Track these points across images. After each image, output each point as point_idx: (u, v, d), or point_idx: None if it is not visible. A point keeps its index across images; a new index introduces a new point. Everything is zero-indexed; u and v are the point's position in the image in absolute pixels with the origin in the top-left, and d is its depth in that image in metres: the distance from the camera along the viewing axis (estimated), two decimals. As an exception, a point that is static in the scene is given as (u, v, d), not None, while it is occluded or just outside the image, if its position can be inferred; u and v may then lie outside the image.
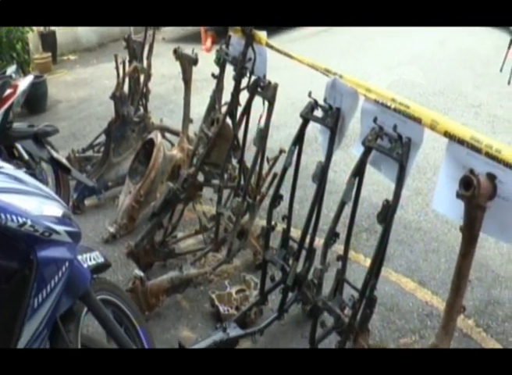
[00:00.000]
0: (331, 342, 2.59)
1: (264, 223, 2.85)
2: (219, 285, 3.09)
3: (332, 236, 2.47)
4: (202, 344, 2.56)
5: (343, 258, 2.57)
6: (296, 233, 2.92)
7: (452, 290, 2.15)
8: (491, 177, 1.91)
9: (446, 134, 2.04)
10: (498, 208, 1.94)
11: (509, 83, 6.25)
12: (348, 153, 3.83)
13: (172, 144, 4.32)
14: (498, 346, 2.76)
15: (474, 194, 1.86)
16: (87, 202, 4.09)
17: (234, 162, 3.41)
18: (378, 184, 3.79)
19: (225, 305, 2.92)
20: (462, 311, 2.22)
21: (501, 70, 6.49)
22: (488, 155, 1.91)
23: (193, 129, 3.94)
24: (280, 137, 4.72)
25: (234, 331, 2.63)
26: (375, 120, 2.27)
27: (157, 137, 3.89)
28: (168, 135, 4.49)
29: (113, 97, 4.30)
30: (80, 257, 1.99)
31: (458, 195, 1.90)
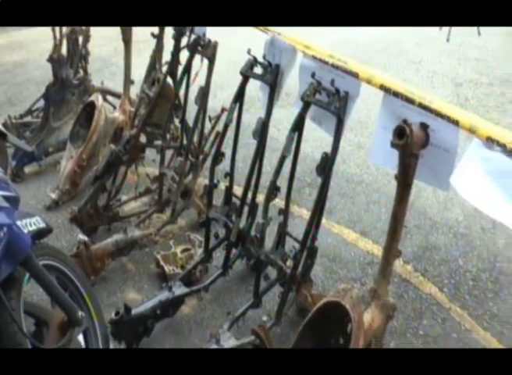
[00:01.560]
0: (275, 295, 2.60)
1: (207, 181, 2.81)
2: (164, 246, 3.05)
3: (273, 190, 2.48)
4: (148, 304, 2.53)
5: (285, 212, 2.58)
6: (239, 191, 2.90)
7: (388, 235, 2.19)
8: (424, 126, 1.97)
9: (382, 87, 2.07)
10: (431, 156, 2.00)
11: (448, 40, 6.31)
12: (291, 111, 3.80)
13: (114, 107, 4.18)
14: (434, 288, 2.85)
15: (408, 143, 1.90)
16: (27, 170, 3.93)
17: (176, 121, 3.34)
18: (320, 140, 3.78)
19: (170, 264, 2.89)
20: (398, 255, 2.27)
21: (448, 40, 6.54)
22: (422, 106, 1.95)
23: (135, 91, 3.81)
24: (223, 97, 4.63)
25: (179, 290, 2.61)
26: (313, 76, 2.28)
27: (98, 99, 3.75)
28: (109, 98, 4.34)
29: (50, 60, 4.09)
30: (19, 222, 1.90)
31: (392, 145, 1.92)
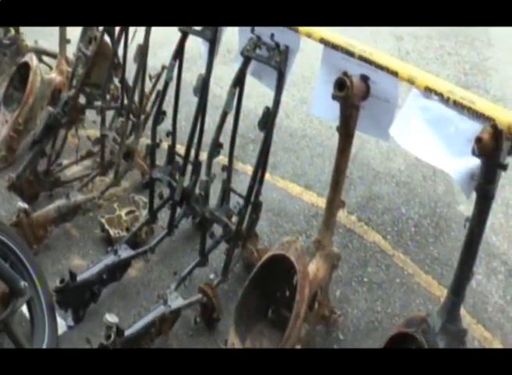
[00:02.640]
0: (221, 252, 2.57)
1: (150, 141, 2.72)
2: (109, 209, 2.96)
3: (215, 147, 2.43)
4: (94, 270, 2.47)
5: (228, 168, 2.54)
6: (183, 150, 2.81)
7: (331, 186, 2.21)
8: (364, 78, 1.98)
9: (322, 41, 2.08)
10: (371, 107, 2.03)
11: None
12: (233, 68, 3.70)
13: (50, 68, 3.96)
14: (378, 236, 2.88)
15: (348, 95, 1.91)
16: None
17: (116, 81, 3.19)
18: (263, 96, 3.67)
19: (115, 228, 2.81)
20: (342, 206, 2.28)
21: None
22: (362, 58, 1.97)
23: (72, 50, 3.61)
24: (164, 55, 4.39)
25: (125, 253, 2.55)
26: (252, 31, 2.25)
27: (32, 60, 3.54)
28: (45, 58, 4.10)
29: (-24, 19, 3.83)
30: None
31: (333, 97, 1.93)
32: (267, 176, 3.17)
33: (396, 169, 3.38)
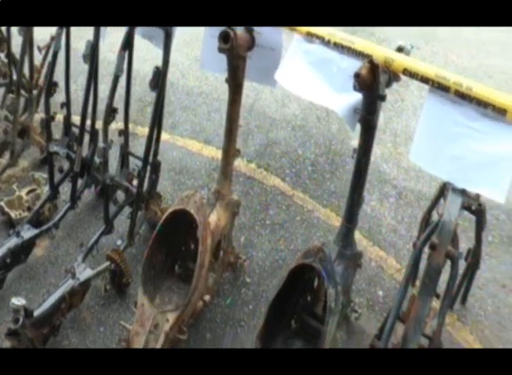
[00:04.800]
0: (127, 217, 2.55)
1: (45, 116, 2.62)
2: (8, 191, 2.83)
3: (110, 112, 2.39)
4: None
5: (125, 133, 2.50)
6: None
7: (225, 136, 2.24)
8: (248, 30, 2.01)
9: None
10: (258, 57, 2.07)
11: None
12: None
13: None
14: (277, 180, 2.95)
15: (233, 46, 1.92)
16: None
17: (2, 56, 3.03)
18: (158, 58, 3.63)
19: (16, 209, 2.70)
20: (237, 154, 2.31)
21: None
22: None
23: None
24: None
25: (28, 233, 2.45)
26: None
27: None
28: None
29: None
30: None
31: (220, 50, 1.93)
32: (166, 136, 3.18)
33: (292, 114, 3.44)
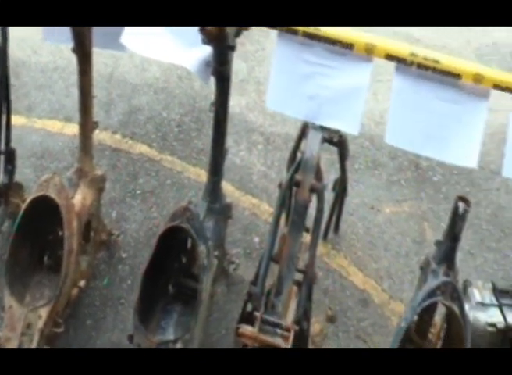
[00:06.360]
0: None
1: None
2: None
3: None
4: None
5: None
6: None
7: (80, 110, 2.13)
8: None
9: None
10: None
11: None
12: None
13: None
14: (144, 147, 2.88)
15: None
16: None
17: None
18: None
19: None
20: (95, 127, 2.22)
21: None
22: None
23: None
24: None
25: None
26: None
27: None
28: None
29: None
30: None
31: None
32: (23, 120, 3.00)
33: (153, 77, 3.33)
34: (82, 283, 2.11)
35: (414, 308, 1.80)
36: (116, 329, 2.14)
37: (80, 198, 2.20)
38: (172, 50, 1.87)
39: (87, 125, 2.19)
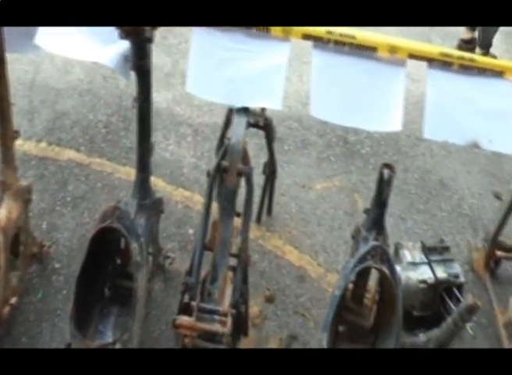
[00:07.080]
0: None
1: None
2: None
3: None
4: None
5: None
6: None
7: None
8: None
9: None
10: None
11: None
12: None
13: None
14: (72, 152, 2.84)
15: None
16: None
17: None
18: None
19: None
20: (16, 136, 2.13)
21: None
22: None
23: None
24: None
25: None
26: None
27: None
28: None
29: None
30: None
31: None
32: None
33: (77, 79, 3.29)
34: (13, 300, 2.04)
35: (347, 275, 1.86)
36: (54, 342, 2.09)
37: (5, 212, 2.15)
38: (89, 47, 1.82)
39: (6, 134, 2.10)
